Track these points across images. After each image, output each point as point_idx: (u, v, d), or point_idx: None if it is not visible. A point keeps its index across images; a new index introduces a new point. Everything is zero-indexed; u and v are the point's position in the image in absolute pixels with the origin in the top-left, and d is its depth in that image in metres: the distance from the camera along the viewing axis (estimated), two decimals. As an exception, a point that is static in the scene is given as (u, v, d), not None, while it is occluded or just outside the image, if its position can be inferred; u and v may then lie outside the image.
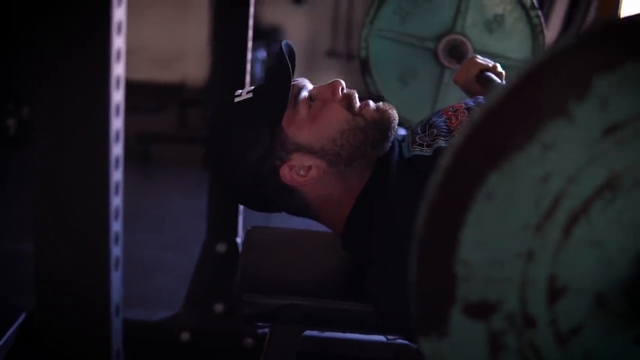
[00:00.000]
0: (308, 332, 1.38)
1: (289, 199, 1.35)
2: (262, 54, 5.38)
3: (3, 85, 4.26)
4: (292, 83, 1.35)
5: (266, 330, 1.51)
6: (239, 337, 2.13)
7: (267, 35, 6.35)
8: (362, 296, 1.27)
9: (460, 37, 1.86)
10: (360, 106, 1.35)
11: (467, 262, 0.62)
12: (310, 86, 1.38)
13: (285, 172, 1.32)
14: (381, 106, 1.37)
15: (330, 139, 1.31)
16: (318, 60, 7.15)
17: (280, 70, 1.31)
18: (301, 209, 1.38)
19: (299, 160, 1.31)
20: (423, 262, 0.62)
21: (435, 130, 1.38)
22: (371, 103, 1.36)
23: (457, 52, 1.85)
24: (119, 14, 0.74)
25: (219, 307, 2.11)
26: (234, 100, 1.35)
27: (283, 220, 1.58)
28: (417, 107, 1.93)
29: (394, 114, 1.37)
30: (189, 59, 6.97)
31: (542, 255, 0.64)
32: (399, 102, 1.94)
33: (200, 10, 6.51)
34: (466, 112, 1.41)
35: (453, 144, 0.61)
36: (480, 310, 0.64)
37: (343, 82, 1.37)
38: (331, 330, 1.52)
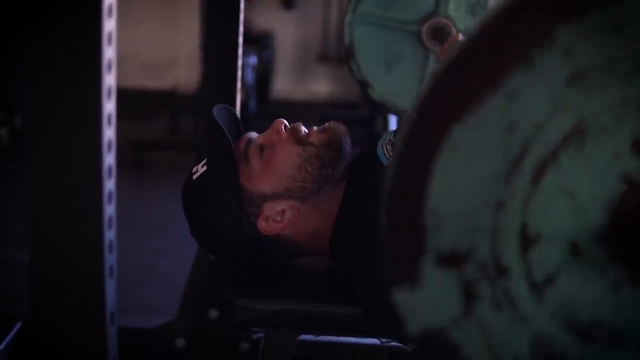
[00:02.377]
0: (303, 337, 1.39)
1: (280, 248, 1.38)
2: (254, 59, 5.39)
3: (-6, 94, 4.25)
4: (238, 141, 1.40)
5: (261, 335, 1.51)
6: (234, 343, 2.13)
7: (258, 40, 6.36)
8: (355, 300, 1.28)
9: (443, 19, 1.86)
10: (306, 134, 1.38)
11: (436, 212, 0.63)
12: (255, 136, 1.41)
13: (263, 225, 1.34)
14: (326, 125, 1.40)
15: (290, 178, 1.34)
16: (309, 64, 7.17)
17: (219, 138, 1.34)
18: (294, 252, 1.40)
19: (271, 209, 1.34)
20: (393, 214, 0.63)
21: None
22: (315, 128, 1.39)
23: (441, 35, 1.86)
24: (110, 24, 0.75)
25: (213, 313, 2.11)
26: (192, 178, 1.38)
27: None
28: (404, 91, 1.94)
29: (341, 128, 1.39)
30: (180, 66, 6.98)
31: (511, 204, 0.65)
32: (385, 87, 1.95)
33: (191, 16, 6.52)
34: None
35: (418, 96, 0.61)
36: (452, 259, 0.64)
37: (285, 121, 1.40)
38: (326, 335, 1.52)
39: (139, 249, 3.22)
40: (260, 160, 1.35)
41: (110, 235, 0.80)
